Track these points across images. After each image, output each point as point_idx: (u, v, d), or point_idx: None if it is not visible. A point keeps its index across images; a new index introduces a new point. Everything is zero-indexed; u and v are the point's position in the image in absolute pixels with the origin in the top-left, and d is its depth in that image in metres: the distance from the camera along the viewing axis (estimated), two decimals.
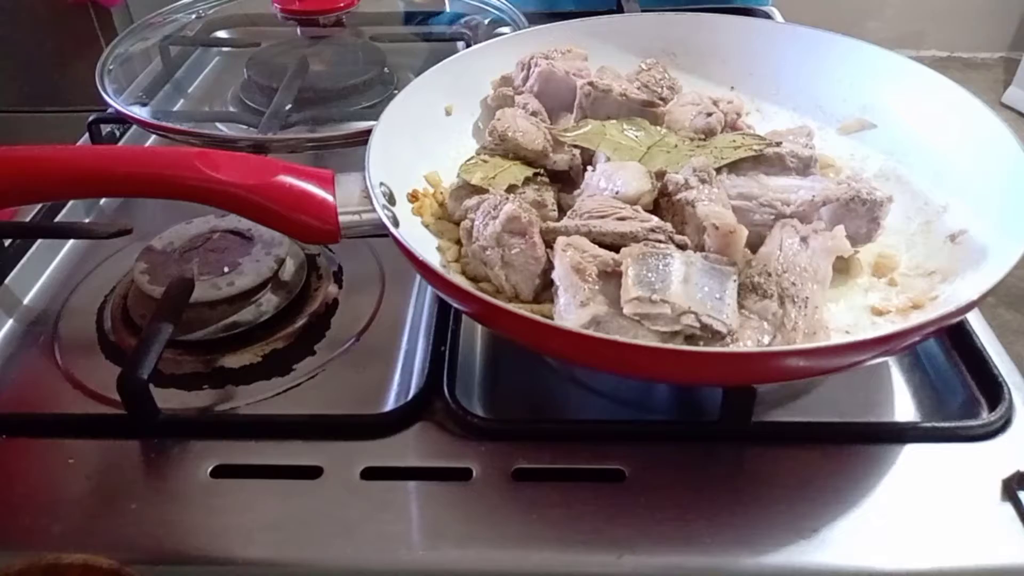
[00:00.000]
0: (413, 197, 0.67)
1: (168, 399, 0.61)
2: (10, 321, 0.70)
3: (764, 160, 0.65)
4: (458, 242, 0.63)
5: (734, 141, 0.67)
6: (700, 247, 0.56)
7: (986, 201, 0.62)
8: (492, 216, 0.58)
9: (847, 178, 0.62)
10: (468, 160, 0.67)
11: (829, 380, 0.62)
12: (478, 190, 0.63)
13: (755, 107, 0.78)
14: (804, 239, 0.57)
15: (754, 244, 0.58)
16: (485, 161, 0.66)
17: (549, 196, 0.64)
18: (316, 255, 0.74)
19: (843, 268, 0.61)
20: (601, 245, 0.56)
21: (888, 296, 0.60)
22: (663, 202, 0.61)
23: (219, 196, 0.60)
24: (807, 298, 0.54)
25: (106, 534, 0.52)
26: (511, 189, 0.63)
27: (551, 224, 0.58)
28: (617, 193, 0.60)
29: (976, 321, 0.65)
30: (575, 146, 0.68)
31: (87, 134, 0.88)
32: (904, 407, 0.61)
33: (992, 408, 0.58)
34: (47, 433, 0.59)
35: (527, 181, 0.64)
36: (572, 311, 0.53)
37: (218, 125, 0.91)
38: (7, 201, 0.68)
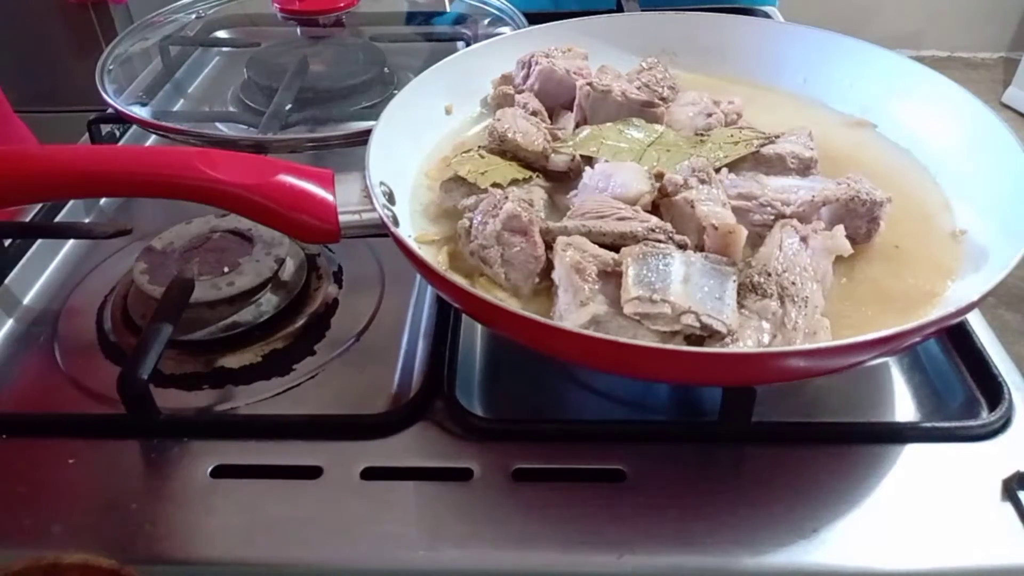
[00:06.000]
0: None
1: (168, 399, 0.61)
2: (10, 321, 0.70)
3: (764, 160, 0.65)
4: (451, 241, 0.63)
5: (732, 136, 0.67)
6: (700, 247, 0.56)
7: (986, 201, 0.62)
8: (492, 215, 0.58)
9: (847, 178, 0.62)
10: (465, 151, 0.67)
11: (829, 380, 0.62)
12: (468, 184, 0.63)
13: (755, 107, 0.77)
14: (804, 239, 0.57)
15: (754, 244, 0.58)
16: (482, 157, 0.66)
17: (538, 195, 0.64)
18: (316, 255, 0.74)
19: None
20: (601, 245, 0.56)
21: None
22: (663, 202, 0.61)
23: (219, 196, 0.60)
24: (807, 298, 0.54)
25: (106, 534, 0.52)
26: (496, 186, 0.63)
27: (551, 224, 0.58)
28: (616, 194, 0.60)
29: (976, 321, 0.65)
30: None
31: (87, 134, 0.88)
32: (904, 407, 0.61)
33: (992, 408, 0.58)
34: (47, 433, 0.59)
35: (515, 181, 0.64)
36: (572, 311, 0.53)
37: (218, 125, 0.91)
38: (7, 201, 0.69)
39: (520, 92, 0.75)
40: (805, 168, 0.65)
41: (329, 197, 0.60)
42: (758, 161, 0.65)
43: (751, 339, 0.52)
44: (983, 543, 0.50)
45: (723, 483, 0.54)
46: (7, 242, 0.75)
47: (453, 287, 0.52)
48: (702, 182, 0.60)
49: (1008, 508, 0.52)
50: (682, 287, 0.52)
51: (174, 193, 0.60)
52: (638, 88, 0.72)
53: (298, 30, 1.03)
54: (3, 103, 1.10)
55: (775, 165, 0.65)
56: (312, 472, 0.55)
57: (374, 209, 0.58)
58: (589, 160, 0.66)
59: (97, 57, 0.91)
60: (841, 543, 0.51)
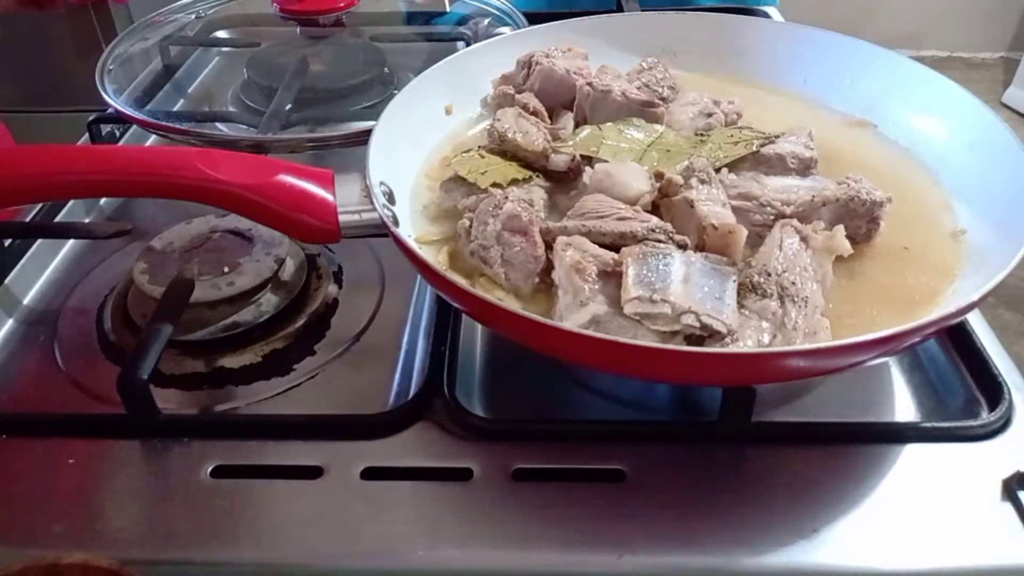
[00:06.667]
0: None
1: (168, 399, 0.61)
2: (10, 321, 0.70)
3: (764, 160, 0.65)
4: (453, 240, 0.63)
5: (732, 136, 0.67)
6: (700, 247, 0.56)
7: (986, 201, 0.62)
8: (492, 215, 0.58)
9: (847, 178, 0.62)
10: (465, 151, 0.67)
11: (829, 380, 0.62)
12: (468, 184, 0.64)
13: (755, 107, 0.78)
14: (804, 239, 0.57)
15: (754, 244, 0.58)
16: (482, 157, 0.66)
17: (538, 195, 0.64)
18: (316, 255, 0.74)
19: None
20: (601, 245, 0.56)
21: None
22: (663, 202, 0.61)
23: (219, 196, 0.60)
24: (807, 298, 0.54)
25: (106, 534, 0.52)
26: (496, 186, 0.63)
27: (551, 224, 0.58)
28: (616, 194, 0.60)
29: (976, 321, 0.65)
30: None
31: (87, 134, 0.88)
32: (904, 407, 0.61)
33: (992, 408, 0.58)
34: (47, 433, 0.59)
35: (515, 181, 0.64)
36: (572, 311, 0.53)
37: (218, 125, 0.91)
38: (7, 201, 0.69)
39: (520, 92, 0.75)
40: (805, 168, 0.65)
41: (329, 197, 0.60)
42: (758, 161, 0.65)
43: (751, 339, 0.52)
44: (983, 543, 0.50)
45: (723, 483, 0.54)
46: (7, 242, 0.75)
47: (453, 287, 0.52)
48: (702, 182, 0.60)
49: (1008, 508, 0.52)
50: (682, 287, 0.52)
51: (174, 193, 0.60)
52: (638, 88, 0.72)
53: (298, 30, 1.03)
54: None
55: (775, 165, 0.65)
56: (312, 472, 0.55)
57: (374, 209, 0.58)
58: (589, 160, 0.66)
59: (97, 57, 0.91)
60: (841, 543, 0.51)
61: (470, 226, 0.60)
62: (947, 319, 0.50)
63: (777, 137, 0.67)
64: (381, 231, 0.59)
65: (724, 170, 0.64)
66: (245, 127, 0.90)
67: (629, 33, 0.83)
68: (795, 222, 0.58)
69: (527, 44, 0.78)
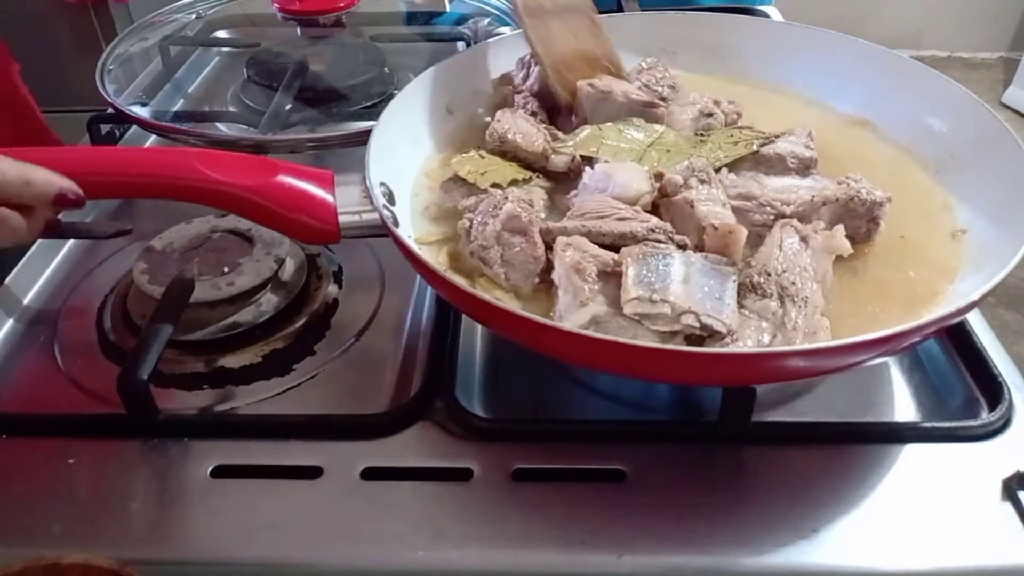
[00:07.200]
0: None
1: (168, 399, 0.61)
2: (10, 321, 0.70)
3: (764, 160, 0.65)
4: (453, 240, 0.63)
5: (731, 136, 0.67)
6: (700, 247, 0.56)
7: (986, 201, 0.62)
8: (492, 215, 0.58)
9: (847, 178, 0.62)
10: (465, 151, 0.67)
11: (829, 380, 0.62)
12: (468, 184, 0.64)
13: (755, 107, 0.78)
14: (804, 239, 0.57)
15: (754, 244, 0.58)
16: (483, 157, 0.66)
17: (538, 195, 0.64)
18: (316, 255, 0.74)
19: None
20: (601, 245, 0.56)
21: None
22: (663, 202, 0.61)
23: (219, 196, 0.60)
24: (807, 298, 0.54)
25: (106, 534, 0.52)
26: (496, 186, 0.63)
27: (551, 224, 0.59)
28: (616, 194, 0.60)
29: (976, 321, 0.65)
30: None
31: (87, 134, 0.88)
32: (904, 407, 0.61)
33: (992, 408, 0.58)
34: (47, 433, 0.59)
35: (515, 181, 0.64)
36: (572, 311, 0.53)
37: (218, 125, 0.91)
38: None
39: (520, 92, 0.75)
40: (805, 168, 0.65)
41: (329, 198, 0.60)
42: (758, 161, 0.65)
43: (751, 339, 0.52)
44: (983, 543, 0.50)
45: (723, 483, 0.54)
46: None
47: (453, 287, 0.52)
48: (702, 182, 0.60)
49: (1008, 508, 0.52)
50: (682, 287, 0.52)
51: (174, 193, 0.60)
52: (638, 88, 0.72)
53: (298, 30, 1.03)
54: (30, 104, 1.10)
55: (775, 165, 0.65)
56: (312, 472, 0.55)
57: (374, 210, 0.58)
58: (589, 160, 0.66)
59: (97, 57, 0.91)
60: (841, 543, 0.51)
61: (470, 226, 0.60)
62: (947, 319, 0.50)
63: (777, 137, 0.67)
64: (381, 231, 0.59)
65: (724, 170, 0.64)
66: (245, 127, 0.89)
67: (629, 33, 0.82)
68: (795, 222, 0.58)
69: (527, 44, 0.78)
